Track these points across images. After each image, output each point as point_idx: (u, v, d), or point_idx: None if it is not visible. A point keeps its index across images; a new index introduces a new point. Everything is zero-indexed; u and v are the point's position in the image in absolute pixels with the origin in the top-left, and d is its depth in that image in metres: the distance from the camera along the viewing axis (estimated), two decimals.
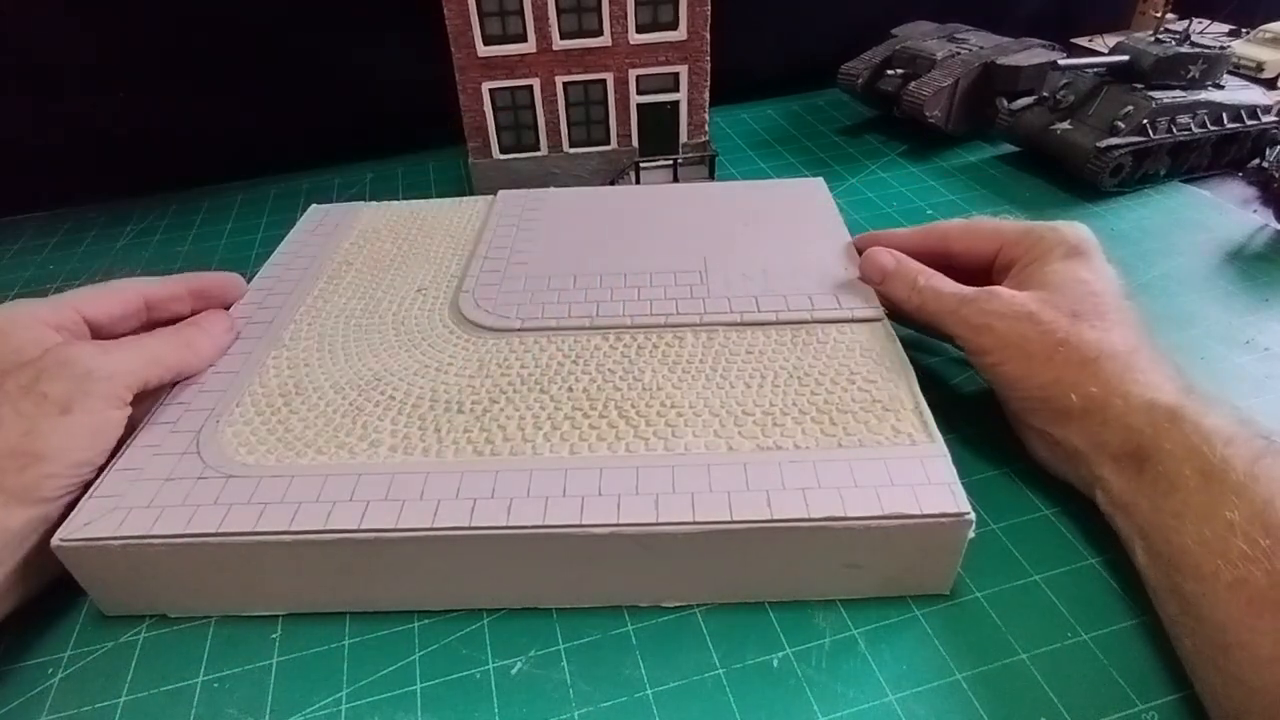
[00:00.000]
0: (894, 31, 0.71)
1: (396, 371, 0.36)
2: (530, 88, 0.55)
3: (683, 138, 0.58)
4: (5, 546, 0.28)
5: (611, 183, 0.58)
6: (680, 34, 0.53)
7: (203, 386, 0.35)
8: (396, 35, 0.64)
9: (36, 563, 0.29)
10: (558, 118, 0.56)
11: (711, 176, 0.59)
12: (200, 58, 0.62)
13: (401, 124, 0.68)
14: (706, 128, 0.58)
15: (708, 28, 0.53)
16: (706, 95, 0.56)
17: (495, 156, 0.57)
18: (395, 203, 0.51)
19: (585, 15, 0.52)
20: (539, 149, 0.57)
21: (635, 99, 0.56)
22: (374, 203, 0.51)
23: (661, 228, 0.46)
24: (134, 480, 0.31)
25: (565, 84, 0.55)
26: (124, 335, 0.37)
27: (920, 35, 0.68)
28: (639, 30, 0.53)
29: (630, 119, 0.57)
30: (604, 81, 0.55)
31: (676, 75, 0.55)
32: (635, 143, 0.58)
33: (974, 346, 0.34)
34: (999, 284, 0.36)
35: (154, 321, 0.38)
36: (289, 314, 0.40)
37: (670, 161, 0.58)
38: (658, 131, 0.57)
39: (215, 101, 0.64)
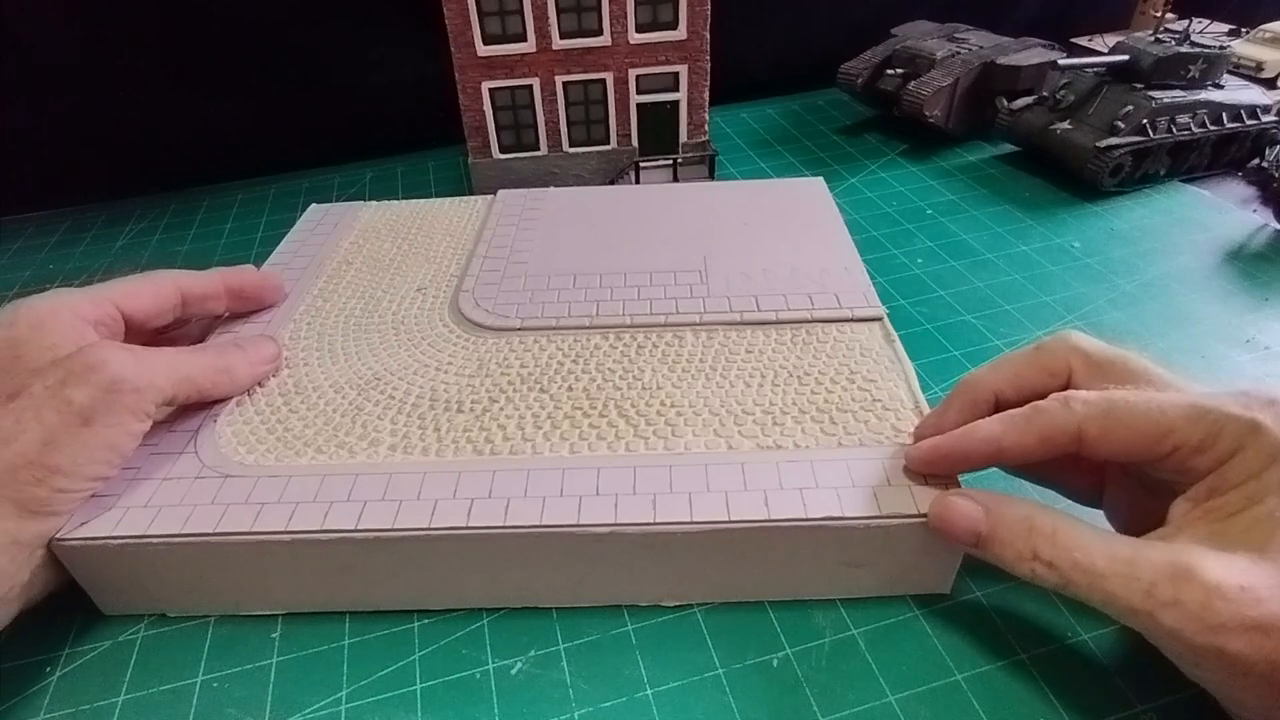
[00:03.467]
0: (894, 31, 0.71)
1: (396, 371, 0.36)
2: (530, 87, 0.54)
3: (682, 137, 0.58)
4: (15, 560, 0.28)
5: (611, 182, 0.58)
6: (680, 33, 0.53)
7: None
8: (396, 35, 0.64)
9: (44, 571, 0.29)
10: (557, 117, 0.56)
11: (711, 176, 0.58)
12: (200, 57, 0.62)
13: (401, 124, 0.68)
14: (706, 127, 0.58)
15: (707, 27, 0.53)
16: (706, 95, 0.56)
17: (495, 156, 0.57)
18: (395, 202, 0.51)
19: (585, 15, 0.52)
20: (539, 148, 0.57)
21: (635, 98, 0.56)
22: (373, 202, 0.51)
23: (661, 227, 0.46)
24: (132, 479, 0.31)
25: (565, 83, 0.54)
26: (159, 330, 0.36)
27: (920, 35, 0.68)
28: (639, 30, 0.53)
29: (630, 118, 0.57)
30: (603, 81, 0.55)
31: (676, 75, 0.55)
32: (635, 142, 0.58)
33: (1186, 668, 0.24)
34: (1161, 498, 0.26)
35: (188, 318, 0.37)
36: (288, 313, 0.40)
37: (670, 161, 0.58)
38: (657, 131, 0.57)
39: (215, 101, 0.64)
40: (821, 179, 0.50)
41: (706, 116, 0.57)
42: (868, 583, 0.30)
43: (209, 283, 0.38)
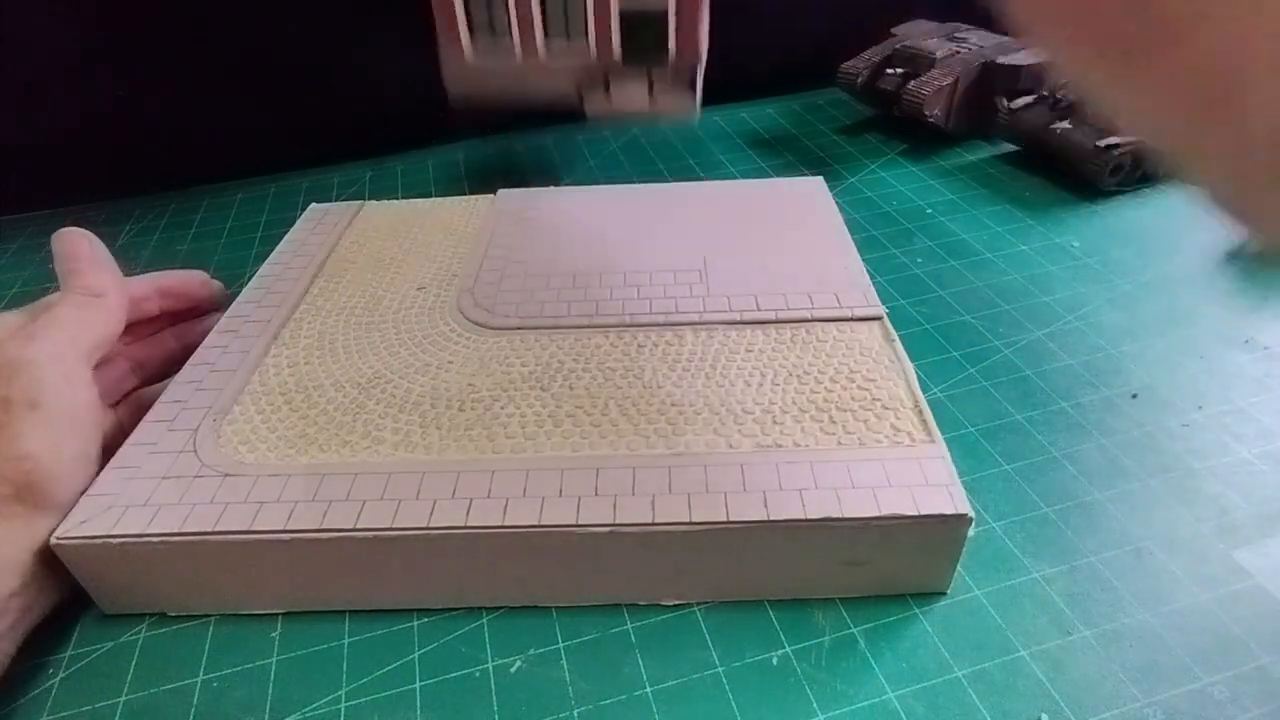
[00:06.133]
0: (894, 30, 0.70)
1: (397, 369, 0.36)
2: None
3: (673, 53, 0.47)
4: (41, 559, 0.29)
5: (579, 98, 0.48)
6: None
7: (200, 385, 0.36)
8: (396, 34, 0.64)
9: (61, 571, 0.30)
10: (530, 14, 0.47)
11: (692, 90, 0.48)
12: (200, 57, 0.62)
13: (401, 124, 0.68)
14: (702, 49, 0.47)
15: None
16: (704, 11, 0.45)
17: (468, 60, 0.48)
18: (395, 201, 0.51)
19: None
20: (512, 46, 0.48)
21: (616, 6, 0.45)
22: (373, 201, 0.51)
23: (661, 226, 0.46)
24: (130, 478, 0.31)
25: None
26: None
27: (920, 34, 0.68)
28: None
29: (611, 31, 0.46)
30: None
31: None
32: (617, 51, 0.47)
33: None
34: None
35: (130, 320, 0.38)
36: (288, 312, 0.40)
37: (644, 78, 0.47)
38: (642, 46, 0.47)
39: (214, 101, 0.64)
40: (821, 179, 0.50)
41: (701, 35, 0.46)
42: (867, 581, 0.30)
43: (139, 287, 0.39)
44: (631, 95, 0.48)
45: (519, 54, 0.48)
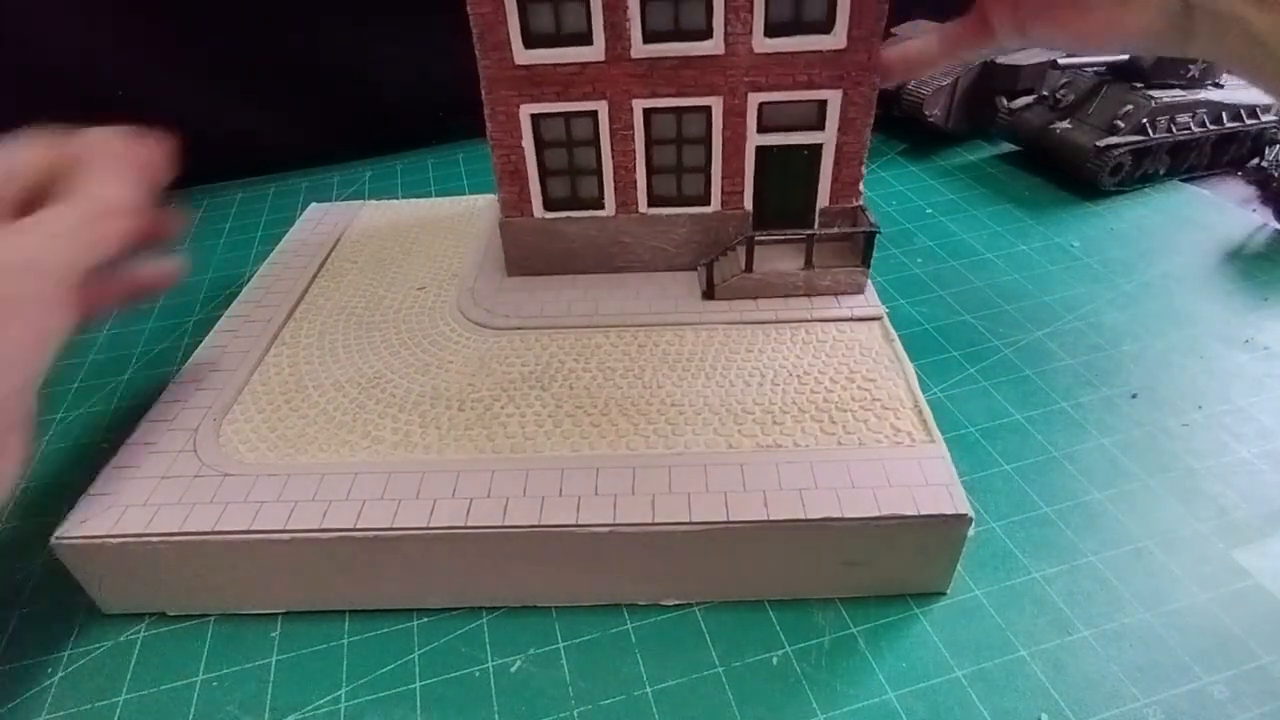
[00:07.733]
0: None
1: (397, 369, 0.36)
2: (594, 115, 0.37)
3: (822, 201, 0.39)
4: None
5: (710, 265, 0.39)
6: (836, 40, 0.35)
7: (200, 384, 0.36)
8: (397, 34, 0.64)
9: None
10: (633, 161, 0.38)
11: (866, 264, 0.39)
12: (200, 57, 0.62)
13: (401, 123, 0.68)
14: (861, 187, 0.39)
15: (880, 31, 0.36)
16: (867, 137, 0.38)
17: (538, 215, 0.40)
18: (395, 201, 0.52)
19: (685, 6, 0.34)
20: (603, 207, 0.40)
21: (754, 139, 0.38)
22: (373, 201, 0.51)
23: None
24: (130, 478, 0.31)
25: (648, 111, 0.37)
26: None
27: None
28: (770, 32, 0.35)
29: (744, 169, 0.38)
30: (708, 110, 0.37)
31: (823, 105, 0.37)
32: (748, 204, 0.39)
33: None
34: None
35: None
36: (288, 312, 0.40)
37: (803, 236, 0.39)
38: (784, 190, 0.39)
39: (214, 101, 0.64)
40: None
41: (863, 171, 0.39)
42: (867, 582, 0.30)
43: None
44: (777, 267, 0.39)
45: (610, 210, 0.40)
